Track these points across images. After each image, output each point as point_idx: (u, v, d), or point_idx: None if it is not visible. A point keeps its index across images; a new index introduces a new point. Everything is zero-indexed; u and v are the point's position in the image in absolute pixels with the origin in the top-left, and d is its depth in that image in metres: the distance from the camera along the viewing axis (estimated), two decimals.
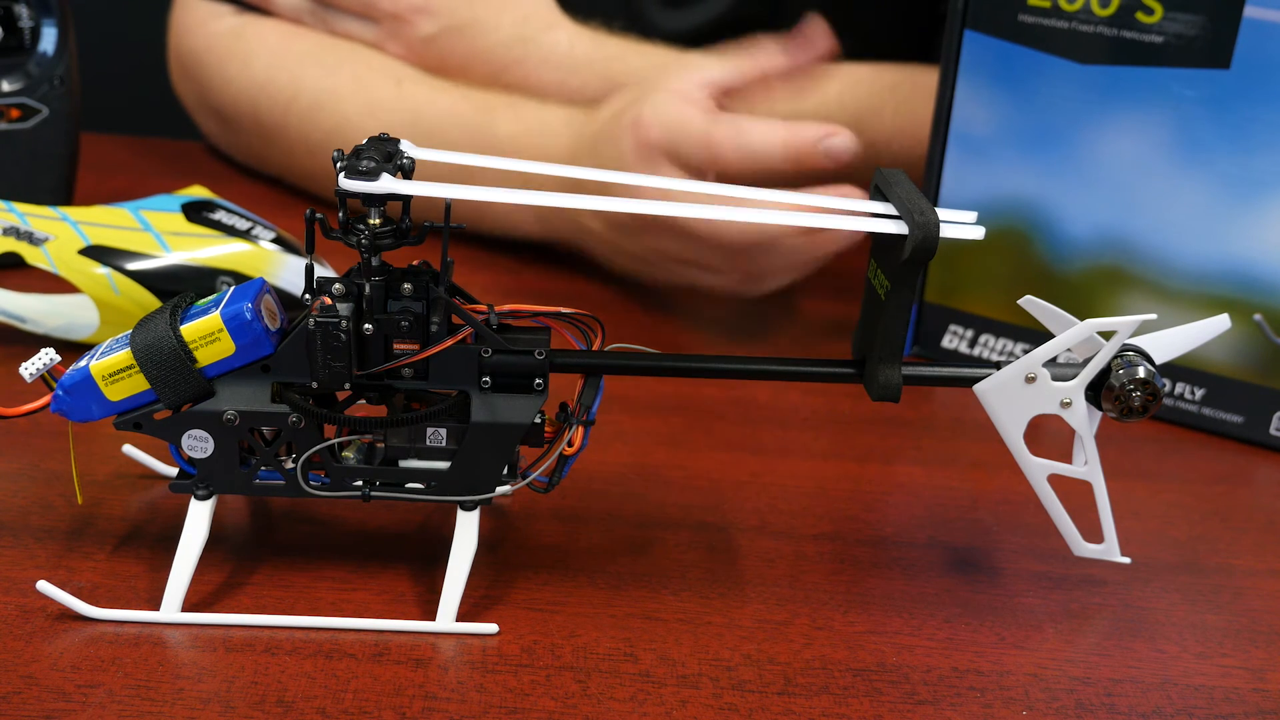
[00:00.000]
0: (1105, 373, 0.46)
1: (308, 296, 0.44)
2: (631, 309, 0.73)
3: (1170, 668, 0.46)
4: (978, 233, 0.44)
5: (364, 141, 0.44)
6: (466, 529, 0.45)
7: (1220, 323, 0.48)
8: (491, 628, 0.45)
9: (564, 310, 0.45)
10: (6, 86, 0.70)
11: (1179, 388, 0.64)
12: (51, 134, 0.72)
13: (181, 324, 0.44)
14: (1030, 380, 0.46)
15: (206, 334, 0.43)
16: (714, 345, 0.70)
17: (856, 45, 0.80)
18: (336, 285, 0.43)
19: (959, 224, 0.44)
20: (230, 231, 0.63)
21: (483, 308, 0.45)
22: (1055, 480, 0.48)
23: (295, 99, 0.81)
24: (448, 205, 0.42)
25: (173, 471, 0.52)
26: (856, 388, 0.46)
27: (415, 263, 0.44)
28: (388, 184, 0.41)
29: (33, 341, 0.61)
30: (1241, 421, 0.63)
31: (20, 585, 0.46)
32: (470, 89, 0.79)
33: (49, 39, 0.71)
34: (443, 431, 0.45)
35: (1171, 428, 0.64)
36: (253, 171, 0.88)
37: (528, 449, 0.46)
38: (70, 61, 0.72)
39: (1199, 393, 0.63)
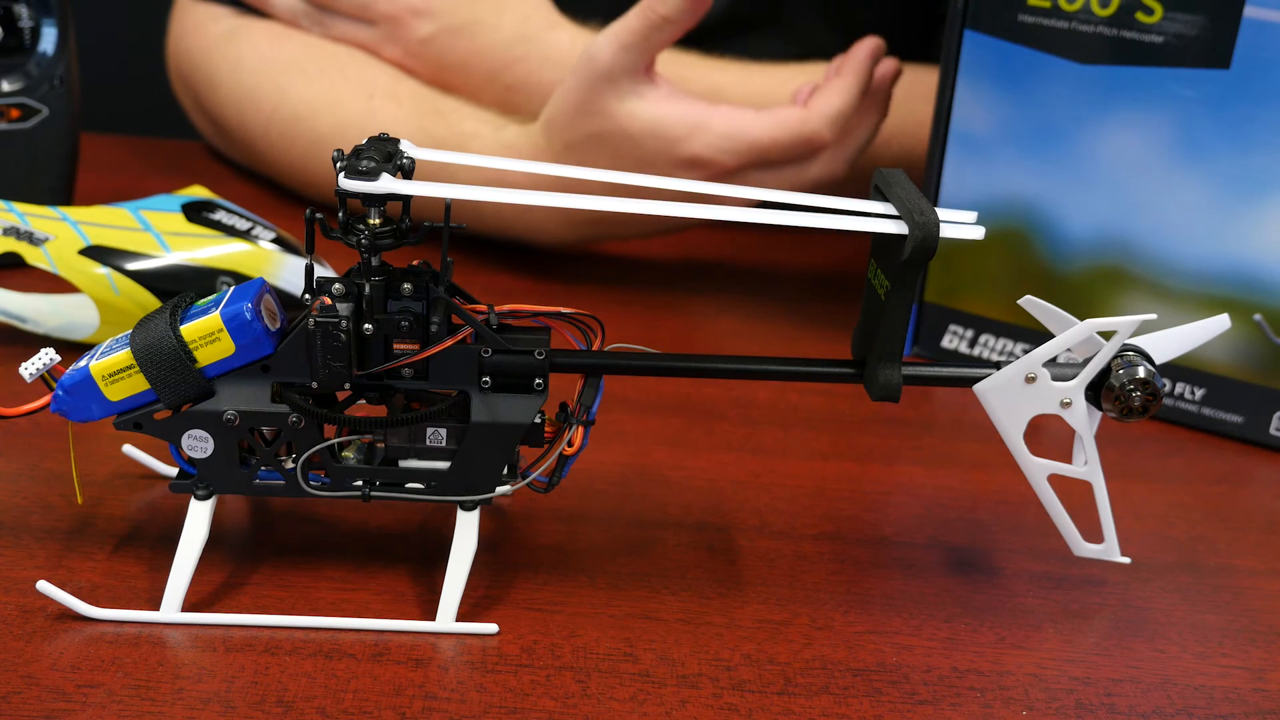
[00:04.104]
0: (1105, 373, 0.46)
1: (308, 296, 0.43)
2: (631, 309, 0.73)
3: (1170, 668, 0.46)
4: (978, 233, 0.44)
5: (364, 141, 0.44)
6: (466, 529, 0.45)
7: (1220, 323, 0.48)
8: (491, 628, 0.45)
9: (564, 310, 0.45)
10: (6, 86, 0.70)
11: (1179, 388, 0.64)
12: (51, 134, 0.72)
13: (181, 324, 0.44)
14: (1030, 380, 0.46)
15: (206, 334, 0.43)
16: (714, 345, 0.70)
17: None
18: (336, 285, 0.43)
19: (959, 224, 0.44)
20: (230, 231, 0.63)
21: (483, 308, 0.45)
22: (1055, 480, 0.48)
23: (277, 110, 0.81)
24: (448, 205, 0.42)
25: (173, 471, 0.52)
26: (856, 388, 0.46)
27: (415, 263, 0.44)
28: (387, 184, 0.41)
29: (33, 341, 0.61)
30: (1241, 421, 0.63)
31: (20, 585, 0.46)
32: (446, 101, 0.78)
33: (49, 39, 0.71)
34: (443, 431, 0.45)
35: (1171, 428, 0.64)
36: (252, 172, 0.88)
37: (528, 449, 0.46)
38: (70, 61, 0.72)
39: (1199, 393, 0.63)
